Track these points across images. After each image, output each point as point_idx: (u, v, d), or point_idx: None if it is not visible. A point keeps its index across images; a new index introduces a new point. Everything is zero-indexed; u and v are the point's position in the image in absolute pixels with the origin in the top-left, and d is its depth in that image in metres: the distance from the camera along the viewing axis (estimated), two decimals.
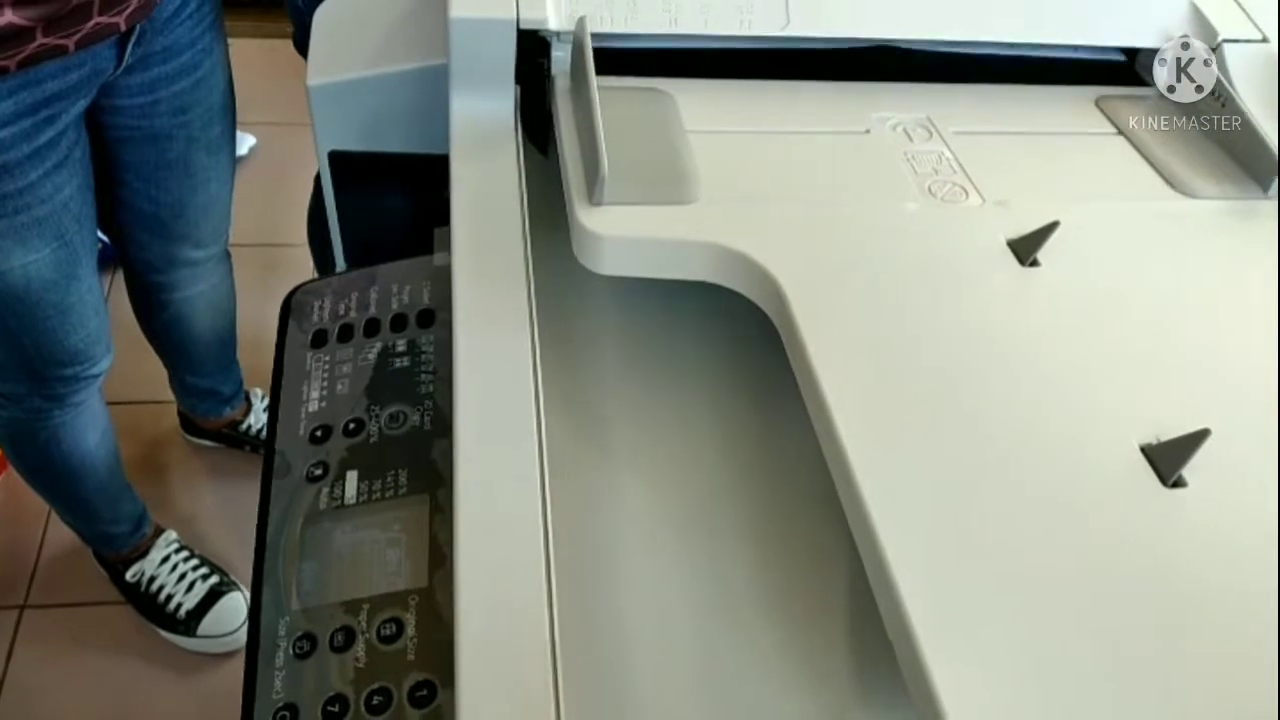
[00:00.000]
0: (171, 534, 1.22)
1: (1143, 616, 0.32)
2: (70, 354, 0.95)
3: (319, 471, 0.46)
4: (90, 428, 1.06)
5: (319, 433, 0.47)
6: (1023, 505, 0.35)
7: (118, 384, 1.12)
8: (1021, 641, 0.31)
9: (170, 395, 1.33)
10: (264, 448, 0.48)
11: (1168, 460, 0.36)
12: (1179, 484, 0.35)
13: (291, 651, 0.41)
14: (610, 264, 0.43)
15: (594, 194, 0.44)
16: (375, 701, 0.39)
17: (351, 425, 0.47)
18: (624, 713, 0.38)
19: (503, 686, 0.34)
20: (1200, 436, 0.35)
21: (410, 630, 0.41)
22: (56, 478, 1.08)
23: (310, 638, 0.41)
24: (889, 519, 0.33)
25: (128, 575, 1.19)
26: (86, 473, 1.09)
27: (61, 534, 1.24)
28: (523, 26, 0.49)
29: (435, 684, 0.39)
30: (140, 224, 1.02)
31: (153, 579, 1.19)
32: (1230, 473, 0.36)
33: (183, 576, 1.19)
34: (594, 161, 0.44)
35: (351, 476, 0.45)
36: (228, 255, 1.15)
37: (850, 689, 0.39)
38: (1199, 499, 0.35)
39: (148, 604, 1.19)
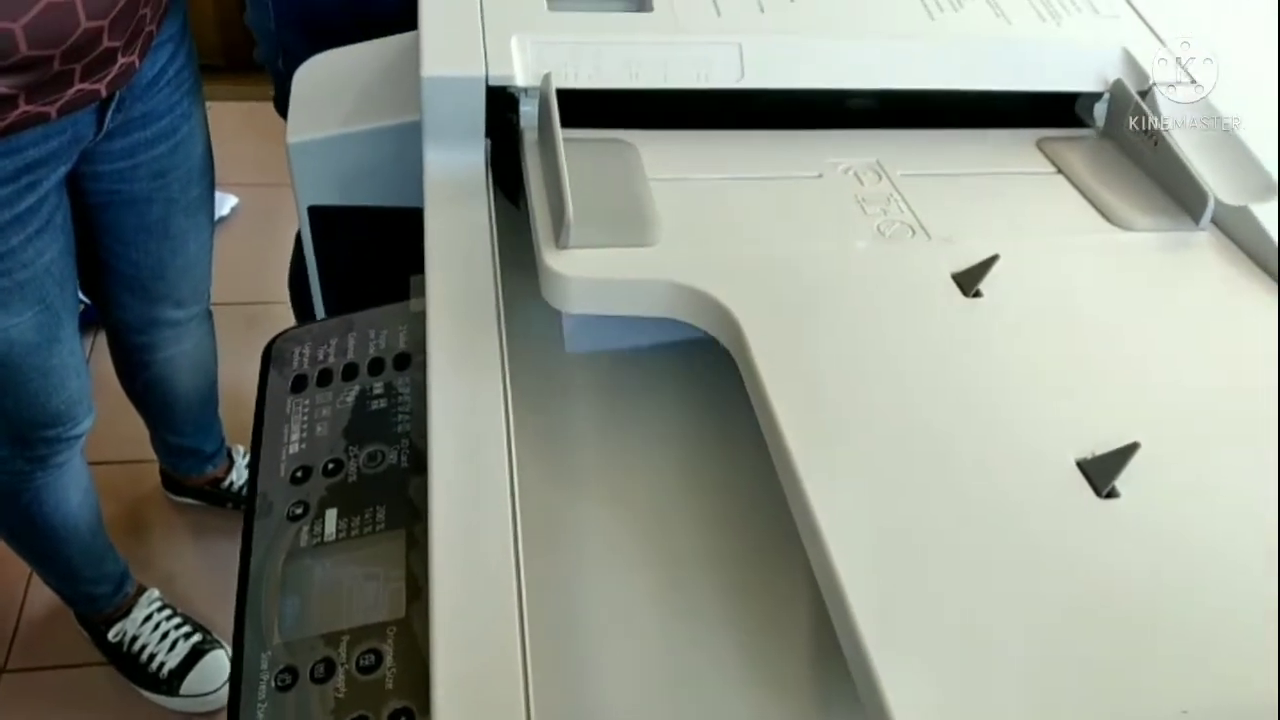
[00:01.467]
0: (154, 592, 1.22)
1: (1080, 617, 0.34)
2: (53, 415, 0.96)
3: (300, 510, 0.47)
4: (73, 488, 1.06)
5: (299, 473, 0.49)
6: (965, 518, 0.37)
7: (100, 444, 1.13)
8: (964, 643, 0.33)
9: (152, 454, 1.33)
10: (246, 490, 0.49)
11: (1101, 472, 0.38)
12: (1113, 494, 0.38)
13: (274, 684, 0.42)
14: (576, 303, 0.46)
15: (560, 238, 0.46)
16: None
17: (331, 465, 0.49)
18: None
19: (477, 709, 0.36)
20: (1131, 450, 0.38)
21: (389, 660, 0.42)
22: (39, 539, 1.09)
23: (291, 670, 0.43)
24: (839, 534, 0.35)
25: (110, 635, 1.19)
26: (69, 533, 1.09)
27: (42, 597, 1.24)
28: (491, 83, 0.51)
29: (413, 710, 0.41)
30: (121, 285, 1.04)
31: (135, 638, 1.19)
32: (1161, 482, 0.38)
33: (165, 635, 1.19)
34: (560, 207, 0.46)
35: (331, 514, 0.47)
36: (209, 314, 1.17)
37: (809, 694, 0.41)
38: (1132, 507, 0.37)
39: (130, 664, 1.19)
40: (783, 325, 0.44)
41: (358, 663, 0.42)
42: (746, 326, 0.43)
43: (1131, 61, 0.59)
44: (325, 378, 0.52)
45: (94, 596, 1.18)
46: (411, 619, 0.43)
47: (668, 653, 0.43)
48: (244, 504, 0.87)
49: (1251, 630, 0.34)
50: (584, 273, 0.45)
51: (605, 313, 0.47)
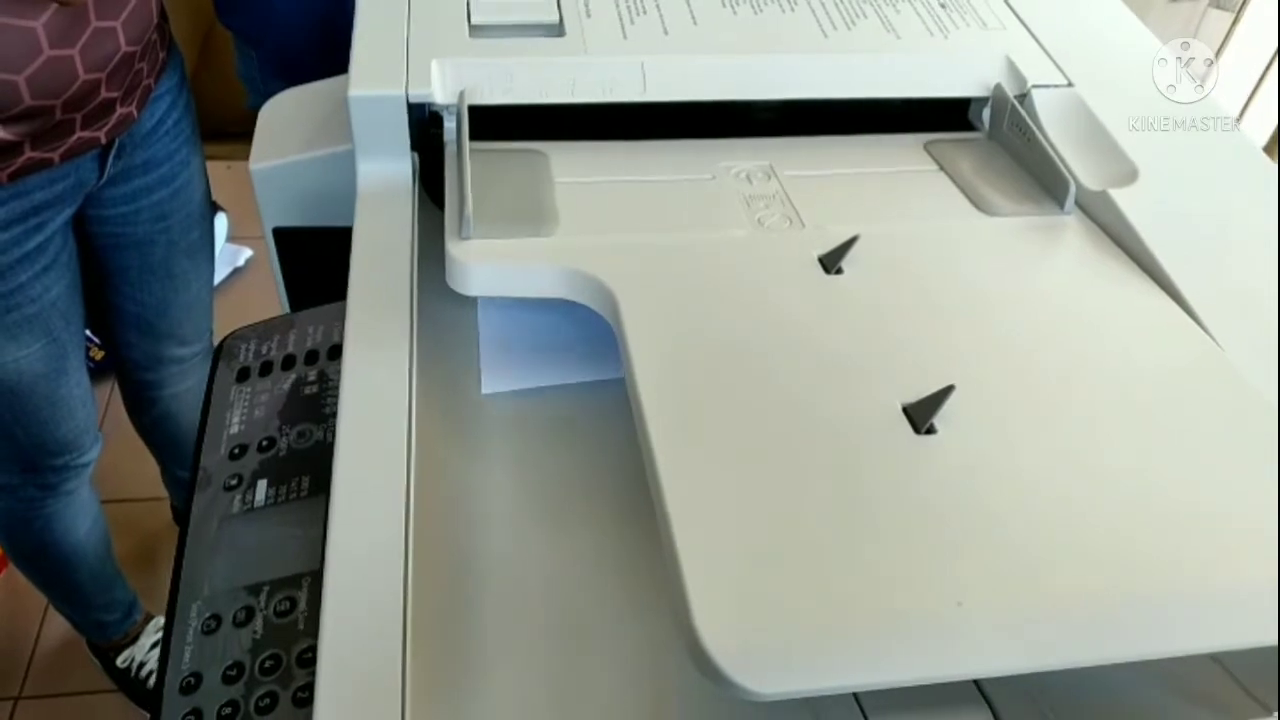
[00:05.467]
0: (161, 619, 1.27)
1: (880, 528, 0.38)
2: (61, 444, 1.02)
3: (234, 482, 0.53)
4: (81, 516, 1.12)
5: (237, 450, 0.54)
6: (795, 453, 0.41)
7: (116, 482, 1.19)
8: (771, 552, 0.37)
9: (164, 492, 1.40)
10: (190, 468, 0.55)
11: (921, 412, 0.42)
12: (931, 431, 0.42)
13: (200, 629, 0.47)
14: (475, 286, 0.51)
15: (461, 229, 0.51)
16: (267, 665, 0.45)
17: (264, 442, 0.54)
18: (470, 664, 0.44)
19: (358, 636, 0.40)
20: (946, 392, 0.42)
21: (302, 605, 0.47)
22: (50, 566, 1.15)
23: (216, 617, 0.47)
24: (673, 469, 0.39)
25: (118, 661, 1.24)
26: (79, 560, 1.15)
27: (57, 628, 1.30)
28: (411, 100, 0.57)
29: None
30: (128, 325, 1.10)
31: (142, 664, 1.24)
32: (974, 421, 0.42)
33: None
34: (462, 202, 0.52)
35: (261, 484, 0.52)
36: (211, 352, 1.23)
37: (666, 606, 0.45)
38: (946, 441, 0.41)
39: (137, 689, 1.24)
40: (655, 300, 0.48)
41: (275, 609, 0.47)
42: (622, 300, 0.48)
43: (1013, 67, 0.63)
44: (267, 368, 0.57)
45: (103, 623, 1.23)
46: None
47: (553, 608, 0.46)
48: None
49: (1029, 539, 0.38)
50: (481, 259, 0.50)
51: (502, 294, 0.52)
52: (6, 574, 1.37)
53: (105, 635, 1.24)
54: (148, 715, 1.22)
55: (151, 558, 1.42)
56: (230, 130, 1.83)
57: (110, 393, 1.51)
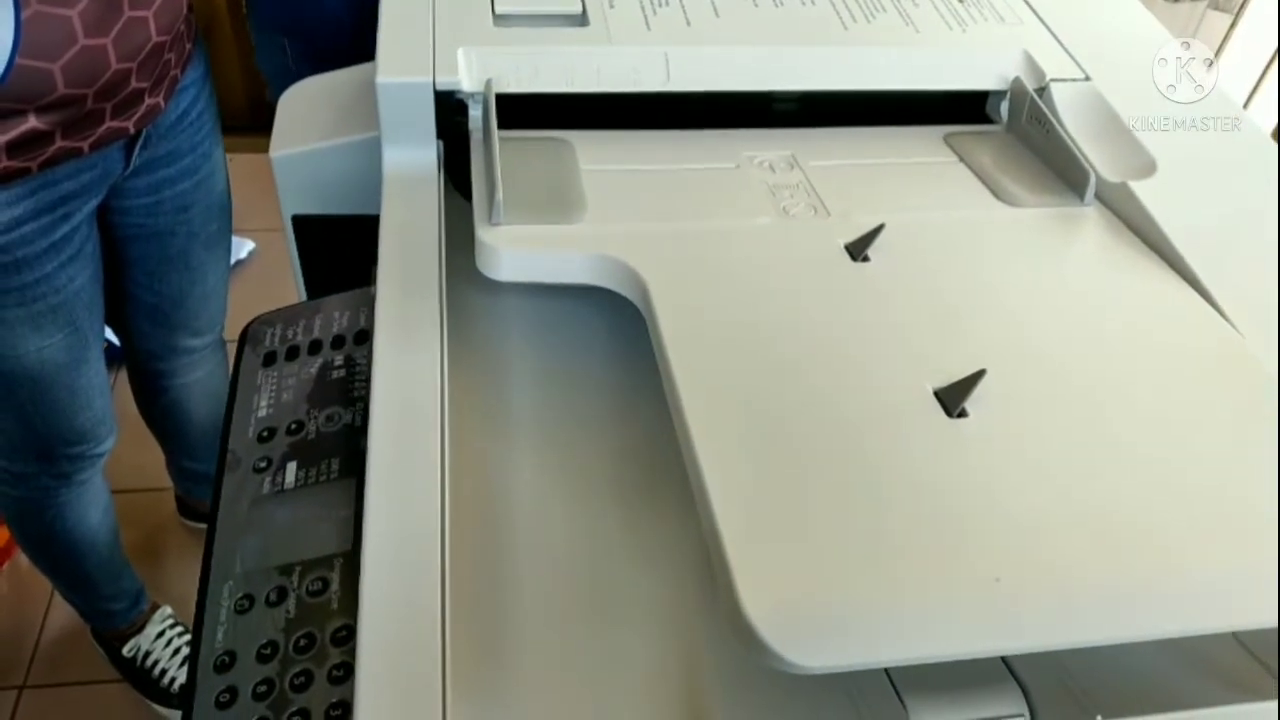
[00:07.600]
0: (166, 609, 1.28)
1: (917, 507, 0.38)
2: (78, 433, 1.02)
3: (264, 464, 0.53)
4: (93, 506, 1.12)
5: (265, 433, 0.54)
6: (830, 435, 0.41)
7: (121, 473, 1.19)
8: (813, 529, 0.37)
9: (169, 482, 1.40)
10: (218, 451, 0.55)
11: (952, 396, 0.43)
12: (962, 415, 0.42)
13: (233, 609, 0.48)
14: (506, 271, 0.51)
15: (492, 215, 0.52)
16: (302, 643, 0.46)
17: (293, 425, 0.54)
18: (502, 637, 0.44)
19: (397, 613, 0.41)
20: (978, 376, 0.42)
21: (335, 585, 0.47)
22: (60, 554, 1.15)
23: (249, 597, 0.48)
24: (711, 450, 0.40)
25: (124, 650, 1.24)
26: (89, 549, 1.15)
27: (61, 619, 1.30)
28: (438, 88, 0.58)
29: (352, 627, 0.45)
30: (143, 314, 1.11)
31: (148, 654, 1.24)
32: (1004, 405, 0.43)
33: (177, 651, 1.24)
34: (492, 189, 0.52)
35: (291, 466, 0.52)
36: (222, 344, 1.24)
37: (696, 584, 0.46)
38: (977, 425, 0.42)
39: (143, 678, 1.24)
40: (685, 286, 0.49)
41: (307, 588, 0.47)
42: (652, 286, 0.48)
43: (1031, 61, 0.64)
44: (293, 353, 0.58)
45: (110, 612, 1.23)
46: (357, 550, 0.48)
47: (585, 584, 0.47)
48: None
49: (1062, 518, 0.38)
50: (511, 245, 0.51)
51: (532, 280, 0.52)
52: (11, 564, 1.37)
53: (112, 624, 1.24)
54: (152, 704, 1.23)
55: (156, 549, 1.42)
56: (231, 124, 1.84)
57: (114, 383, 1.51)
